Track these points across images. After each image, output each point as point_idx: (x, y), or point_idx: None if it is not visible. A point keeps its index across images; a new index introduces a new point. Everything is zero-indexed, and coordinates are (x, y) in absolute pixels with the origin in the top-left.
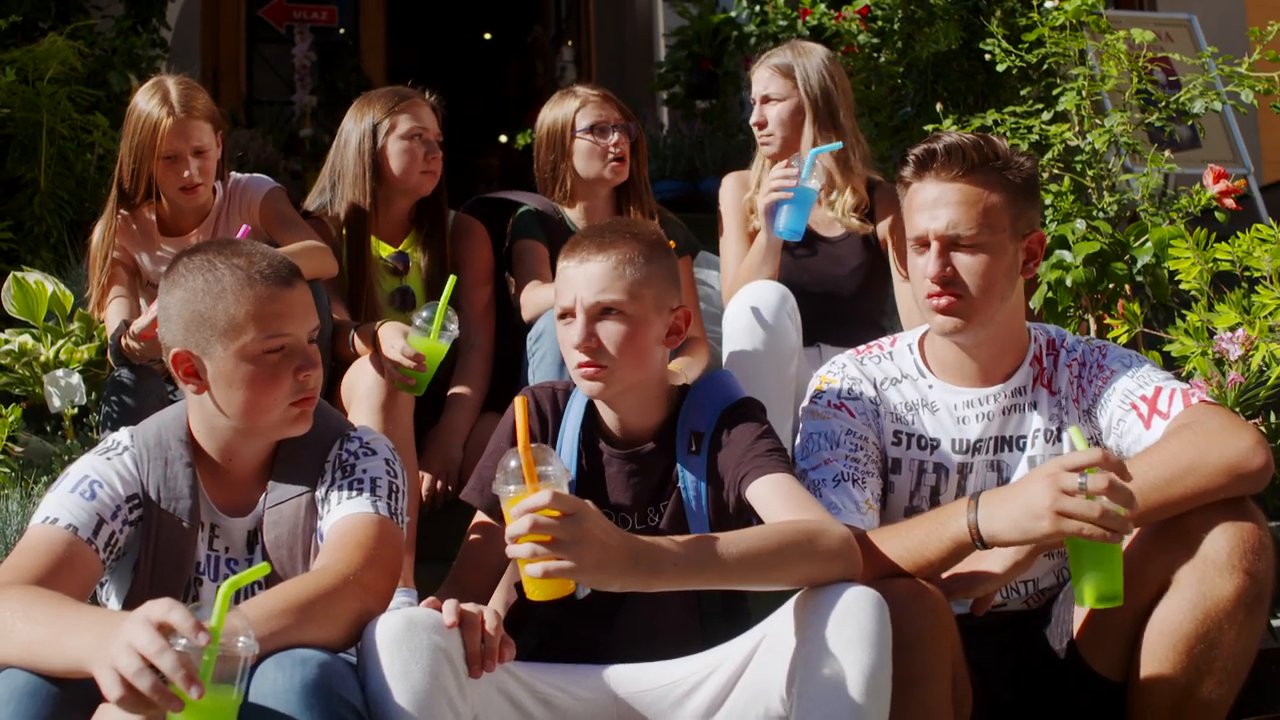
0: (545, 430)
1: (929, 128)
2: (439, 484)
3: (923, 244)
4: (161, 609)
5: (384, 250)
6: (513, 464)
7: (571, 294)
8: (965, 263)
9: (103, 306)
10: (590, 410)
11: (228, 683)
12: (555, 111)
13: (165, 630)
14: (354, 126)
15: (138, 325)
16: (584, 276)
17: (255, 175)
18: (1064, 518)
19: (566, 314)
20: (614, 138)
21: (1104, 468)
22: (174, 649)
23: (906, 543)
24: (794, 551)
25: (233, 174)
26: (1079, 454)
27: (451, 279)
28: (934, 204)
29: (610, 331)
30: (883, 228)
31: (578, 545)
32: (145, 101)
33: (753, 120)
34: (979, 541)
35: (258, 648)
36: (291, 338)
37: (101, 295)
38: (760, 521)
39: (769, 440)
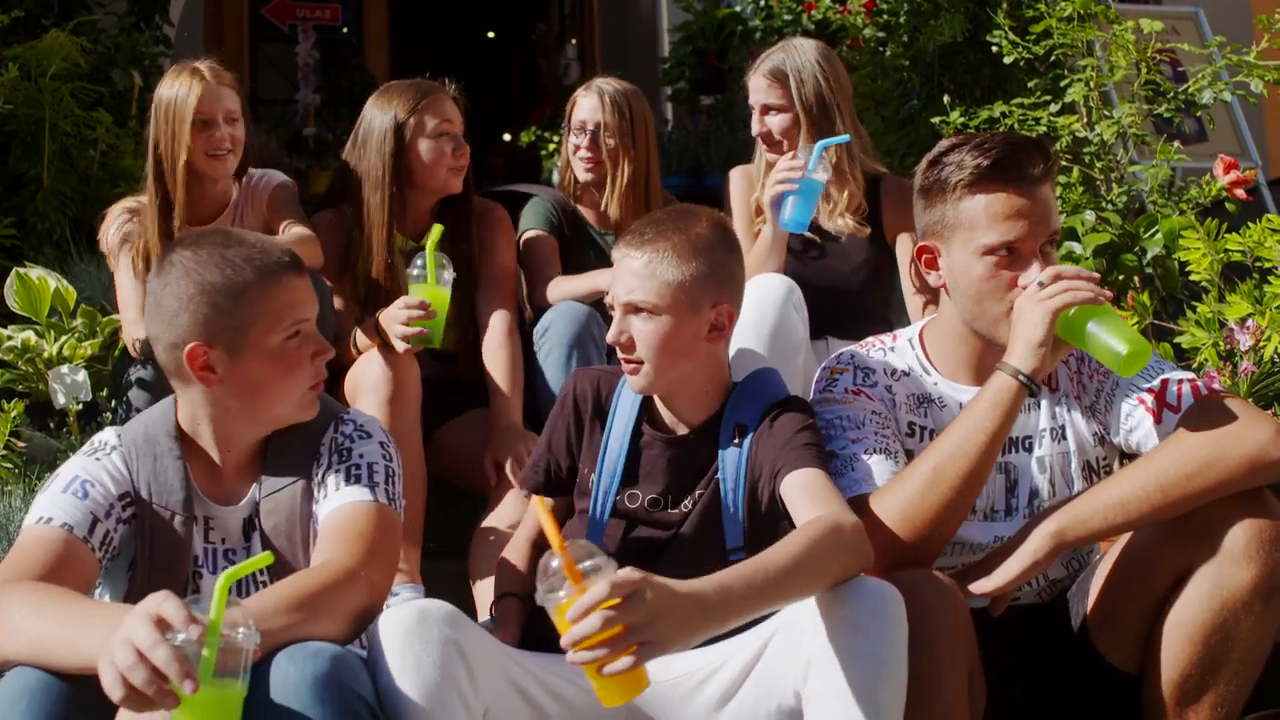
0: (581, 414)
1: (936, 120)
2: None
3: (1016, 255)
4: (156, 602)
5: (405, 244)
6: (554, 564)
7: (614, 288)
8: (1048, 264)
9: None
10: (645, 397)
11: (231, 675)
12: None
13: (162, 625)
14: (376, 123)
15: None
16: (621, 273)
17: (270, 170)
18: (1050, 300)
19: (612, 306)
20: (583, 138)
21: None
22: (169, 643)
23: (949, 441)
24: (828, 551)
25: (250, 169)
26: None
27: (437, 227)
28: (1031, 210)
29: (641, 330)
30: (894, 224)
31: (654, 624)
32: (170, 82)
33: (755, 132)
34: (1023, 377)
35: (259, 638)
36: (308, 323)
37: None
38: (790, 520)
39: (809, 435)
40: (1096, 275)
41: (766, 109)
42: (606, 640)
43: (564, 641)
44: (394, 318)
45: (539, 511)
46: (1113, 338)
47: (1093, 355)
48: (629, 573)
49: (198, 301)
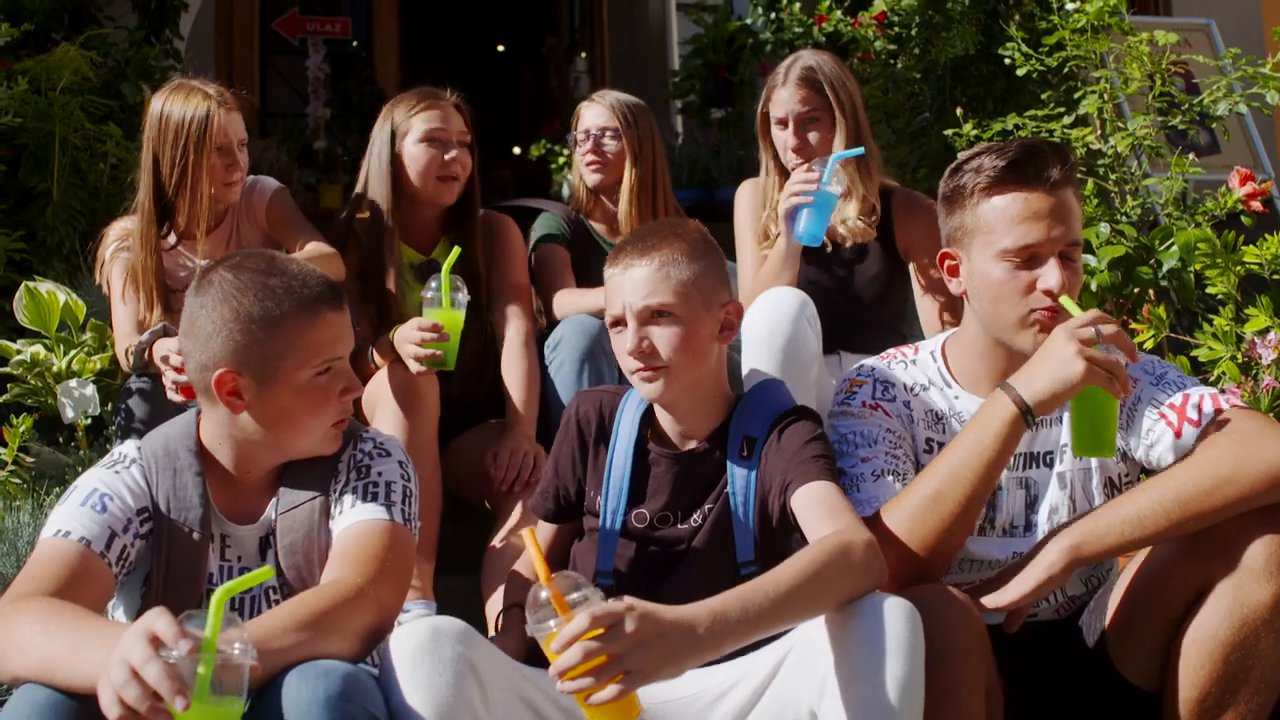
0: (584, 436)
1: (948, 133)
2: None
3: (1034, 257)
4: (150, 619)
5: (412, 258)
6: (543, 596)
7: (620, 301)
8: (1070, 271)
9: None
10: (647, 413)
11: (231, 694)
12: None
13: (156, 642)
14: (378, 130)
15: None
16: (631, 282)
17: (262, 176)
18: (1092, 363)
19: (617, 322)
20: (588, 144)
21: (1102, 323)
22: (162, 660)
23: (949, 465)
24: (833, 573)
25: None
26: (1081, 316)
27: (455, 249)
28: (1049, 212)
29: (661, 334)
30: (905, 237)
31: (638, 651)
32: (181, 101)
33: (792, 147)
34: (1028, 413)
35: (256, 654)
36: (341, 361)
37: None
38: (801, 534)
39: (817, 446)
40: (1139, 358)
41: (802, 118)
42: (591, 670)
43: (551, 672)
44: (407, 338)
45: (527, 542)
46: (1098, 429)
47: (1069, 416)
48: (611, 604)
49: (232, 328)
